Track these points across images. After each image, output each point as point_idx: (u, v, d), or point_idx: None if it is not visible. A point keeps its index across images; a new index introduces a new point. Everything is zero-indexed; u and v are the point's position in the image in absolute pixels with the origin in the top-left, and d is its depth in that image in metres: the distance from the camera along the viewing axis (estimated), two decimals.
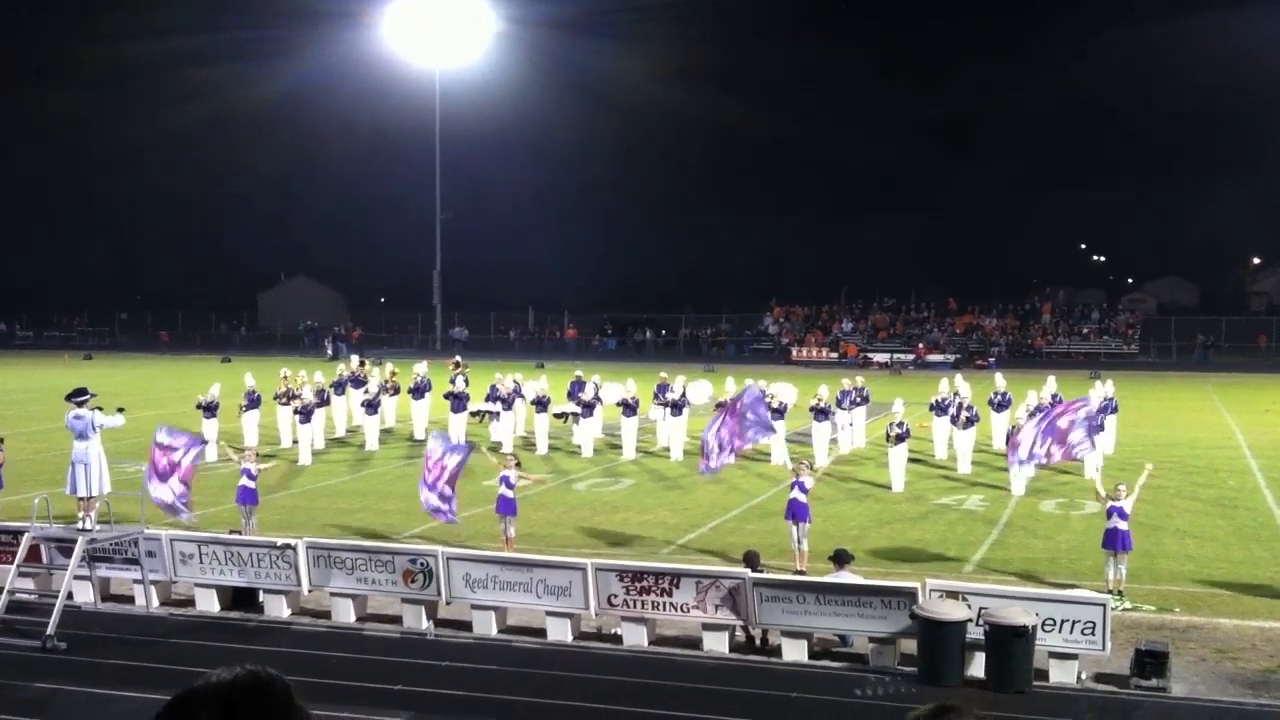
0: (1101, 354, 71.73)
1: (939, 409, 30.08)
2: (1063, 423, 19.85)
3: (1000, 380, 31.81)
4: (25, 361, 70.33)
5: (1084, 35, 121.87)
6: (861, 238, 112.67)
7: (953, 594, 14.39)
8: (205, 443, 21.41)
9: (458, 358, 39.19)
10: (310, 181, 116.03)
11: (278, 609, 16.74)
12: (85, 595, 17.04)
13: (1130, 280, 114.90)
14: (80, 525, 16.32)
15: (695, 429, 33.13)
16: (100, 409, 16.79)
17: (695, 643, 15.26)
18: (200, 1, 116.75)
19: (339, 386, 35.30)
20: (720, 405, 21.26)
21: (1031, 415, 20.79)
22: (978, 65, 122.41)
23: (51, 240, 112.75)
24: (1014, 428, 25.45)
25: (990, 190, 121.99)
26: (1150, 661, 13.45)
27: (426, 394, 34.02)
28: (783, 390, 31.41)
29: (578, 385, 33.53)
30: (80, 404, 16.50)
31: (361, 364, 37.81)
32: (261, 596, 16.94)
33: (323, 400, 32.48)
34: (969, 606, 14.00)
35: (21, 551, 16.32)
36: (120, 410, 17.60)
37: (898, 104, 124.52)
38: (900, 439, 25.98)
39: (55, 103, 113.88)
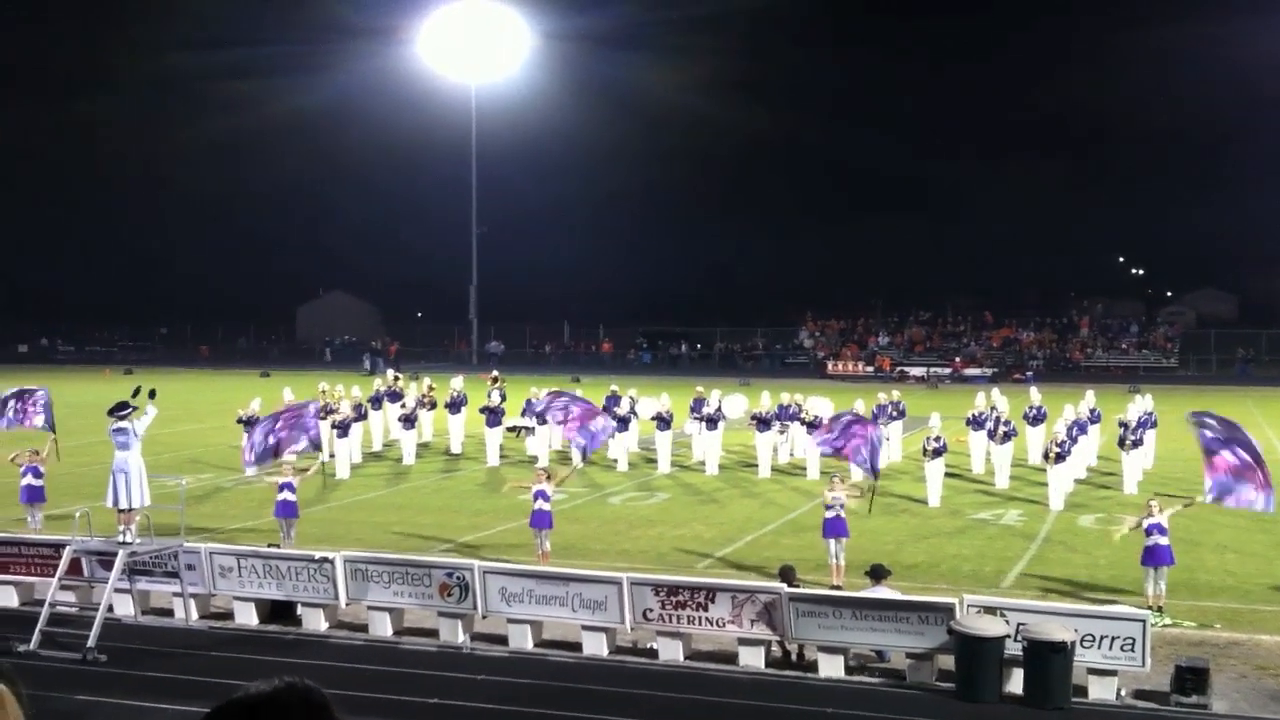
0: (1140, 368, 71.24)
1: (976, 423, 29.94)
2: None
3: (1036, 394, 31.63)
4: (66, 376, 71.00)
5: (1122, 41, 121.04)
6: (898, 248, 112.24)
7: (990, 610, 14.31)
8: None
9: (495, 372, 39.33)
10: (348, 195, 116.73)
11: (315, 622, 16.82)
12: (125, 608, 17.17)
13: (1169, 293, 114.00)
14: (120, 538, 16.45)
15: (730, 443, 33.19)
16: (136, 392, 16.91)
17: (731, 657, 15.23)
18: (240, 15, 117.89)
19: (376, 401, 35.47)
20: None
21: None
22: (1016, 73, 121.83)
23: (93, 255, 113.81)
24: (1051, 450, 25.30)
25: (1027, 200, 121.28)
26: (1191, 678, 13.33)
27: (463, 408, 34.13)
28: (818, 405, 31.33)
29: (613, 399, 33.55)
30: (122, 418, 16.65)
31: (397, 378, 37.97)
32: (299, 609, 17.03)
33: (360, 414, 32.64)
34: (1007, 622, 13.91)
35: (63, 565, 16.48)
36: (152, 395, 17.28)
37: (933, 113, 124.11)
38: (937, 453, 25.86)
39: (96, 116, 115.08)
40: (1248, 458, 16.78)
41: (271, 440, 20.03)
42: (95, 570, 17.10)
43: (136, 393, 17.03)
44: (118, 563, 16.14)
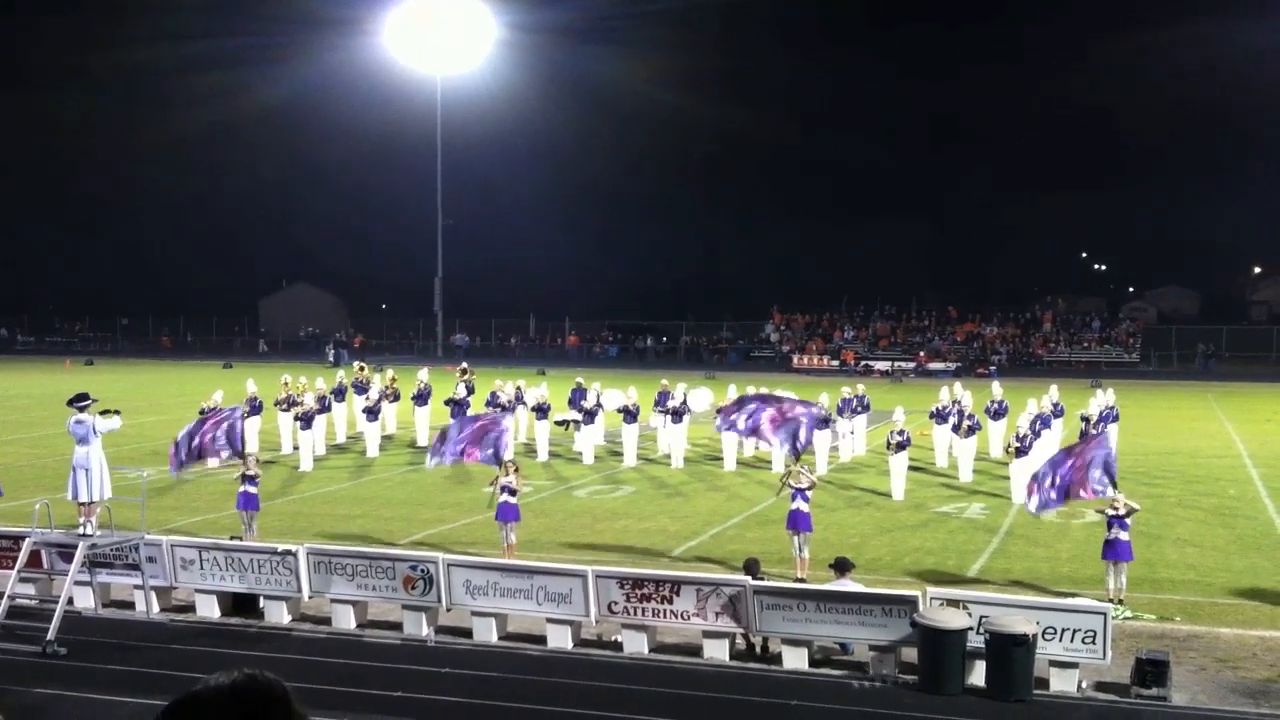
0: (1102, 363, 71.82)
1: (940, 417, 30.09)
2: (1078, 463, 18.14)
3: (997, 389, 31.83)
4: (27, 367, 70.39)
5: (1086, 41, 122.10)
6: (862, 243, 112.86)
7: (953, 602, 14.38)
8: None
9: (464, 364, 39.23)
10: (312, 187, 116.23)
11: (278, 615, 16.73)
12: (86, 601, 17.04)
13: (1131, 289, 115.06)
14: (81, 530, 16.31)
15: (696, 436, 33.22)
16: (102, 412, 16.81)
17: (696, 650, 15.24)
18: (204, 8, 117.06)
19: (340, 393, 35.30)
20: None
21: (1036, 434, 18.75)
22: (979, 71, 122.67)
23: (53, 246, 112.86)
24: (1013, 444, 25.47)
25: (990, 196, 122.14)
26: (1151, 670, 13.44)
27: (428, 400, 34.03)
28: None
29: (579, 392, 33.53)
30: (82, 409, 16.52)
31: (361, 370, 37.82)
32: (262, 602, 16.93)
33: (324, 406, 32.48)
34: (970, 615, 13.99)
35: (22, 557, 16.31)
36: (116, 413, 17.42)
37: (899, 109, 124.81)
38: (901, 447, 25.96)
39: (58, 108, 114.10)
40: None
41: (195, 442, 19.74)
42: (55, 563, 16.94)
43: (86, 399, 16.79)
44: (78, 555, 15.99)
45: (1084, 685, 13.90)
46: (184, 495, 26.19)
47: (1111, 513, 17.26)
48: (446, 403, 32.66)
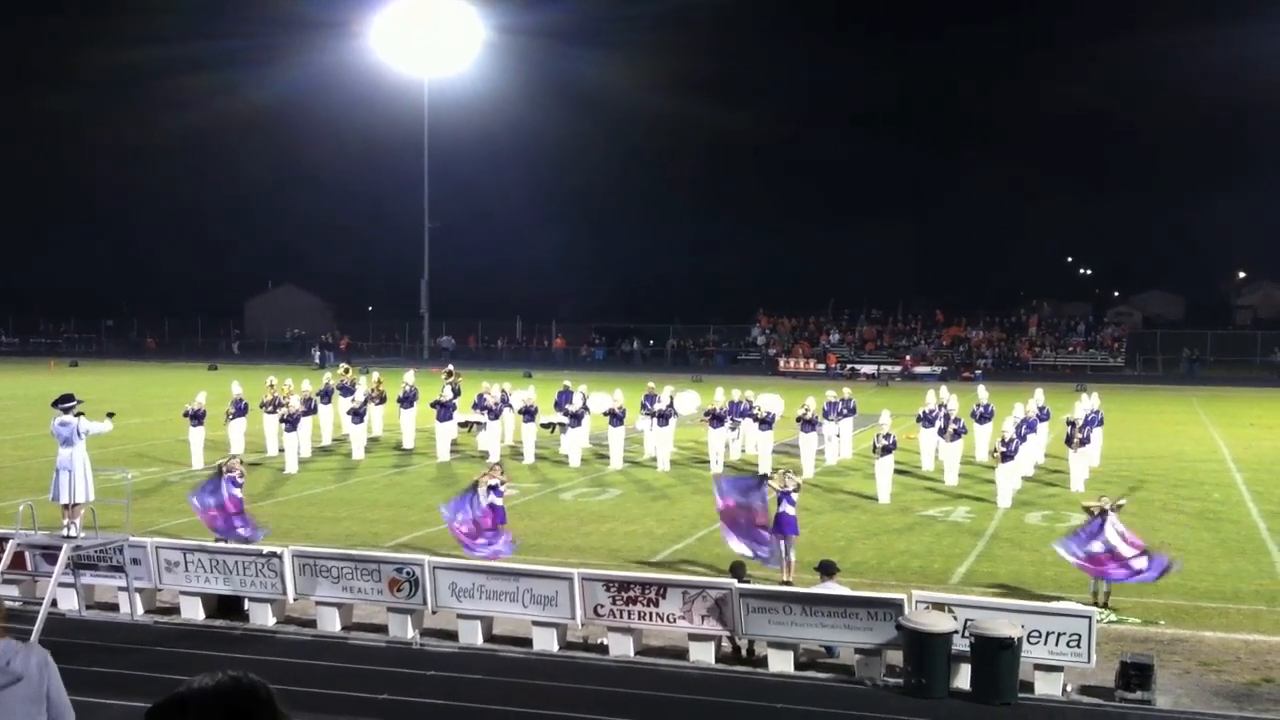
0: (1087, 367, 72.02)
1: (926, 421, 30.14)
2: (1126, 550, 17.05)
3: (983, 392, 31.88)
4: (11, 368, 70.12)
5: (1076, 48, 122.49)
6: (849, 246, 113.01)
7: (939, 605, 14.40)
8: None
9: (450, 366, 39.19)
10: (299, 189, 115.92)
11: (263, 617, 16.68)
12: (70, 603, 16.97)
13: (1116, 293, 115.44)
14: (65, 532, 16.25)
15: (682, 439, 33.23)
16: (84, 414, 16.75)
17: (681, 653, 15.24)
18: (191, 8, 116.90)
19: (326, 395, 35.24)
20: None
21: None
22: (968, 76, 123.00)
23: (38, 246, 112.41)
24: (998, 448, 25.51)
25: (976, 200, 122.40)
26: (1135, 674, 13.47)
27: (414, 403, 33.98)
28: (770, 401, 31.45)
29: (565, 395, 33.53)
30: (66, 410, 16.45)
31: (347, 372, 37.74)
32: (247, 605, 16.88)
33: (309, 409, 32.41)
34: (955, 618, 14.00)
35: (6, 558, 16.24)
36: (110, 415, 17.54)
37: (887, 112, 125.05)
38: (887, 450, 26.00)
39: (45, 108, 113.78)
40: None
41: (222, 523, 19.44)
42: (39, 564, 16.88)
43: (71, 401, 16.72)
44: (62, 556, 15.93)
45: (1069, 689, 13.92)
46: (168, 497, 26.11)
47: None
48: (433, 405, 32.61)
